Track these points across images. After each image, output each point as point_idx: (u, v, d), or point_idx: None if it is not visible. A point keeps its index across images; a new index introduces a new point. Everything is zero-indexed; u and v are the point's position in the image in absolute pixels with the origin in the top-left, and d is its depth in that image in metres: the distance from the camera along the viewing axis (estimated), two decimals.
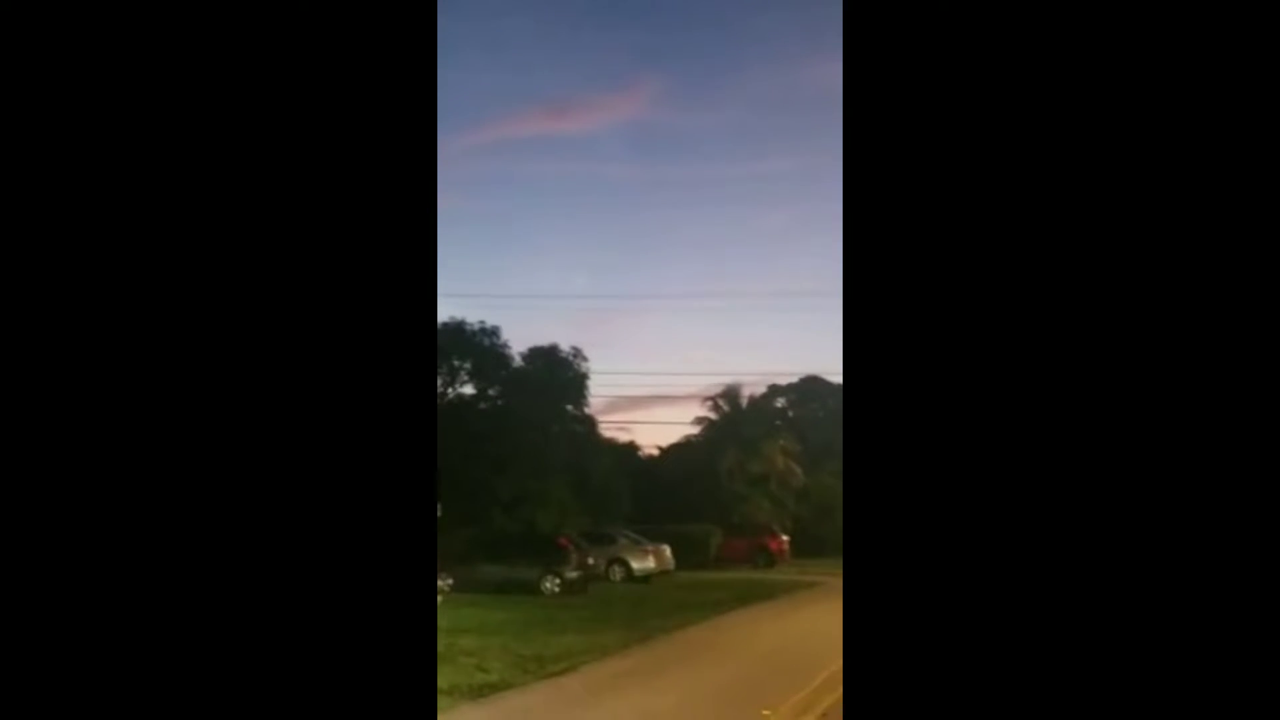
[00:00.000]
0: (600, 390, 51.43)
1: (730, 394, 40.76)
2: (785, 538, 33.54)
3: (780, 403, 42.81)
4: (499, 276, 59.13)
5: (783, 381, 42.97)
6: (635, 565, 25.30)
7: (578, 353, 31.56)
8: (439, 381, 30.44)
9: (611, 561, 24.98)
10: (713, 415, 40.95)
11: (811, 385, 41.20)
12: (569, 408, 31.71)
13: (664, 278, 63.81)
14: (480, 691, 8.96)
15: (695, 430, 41.36)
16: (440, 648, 11.50)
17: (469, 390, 30.86)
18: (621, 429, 50.72)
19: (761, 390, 42.19)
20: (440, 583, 14.44)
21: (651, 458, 41.15)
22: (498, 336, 30.60)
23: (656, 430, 79.00)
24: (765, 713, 8.19)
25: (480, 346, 30.36)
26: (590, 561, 22.45)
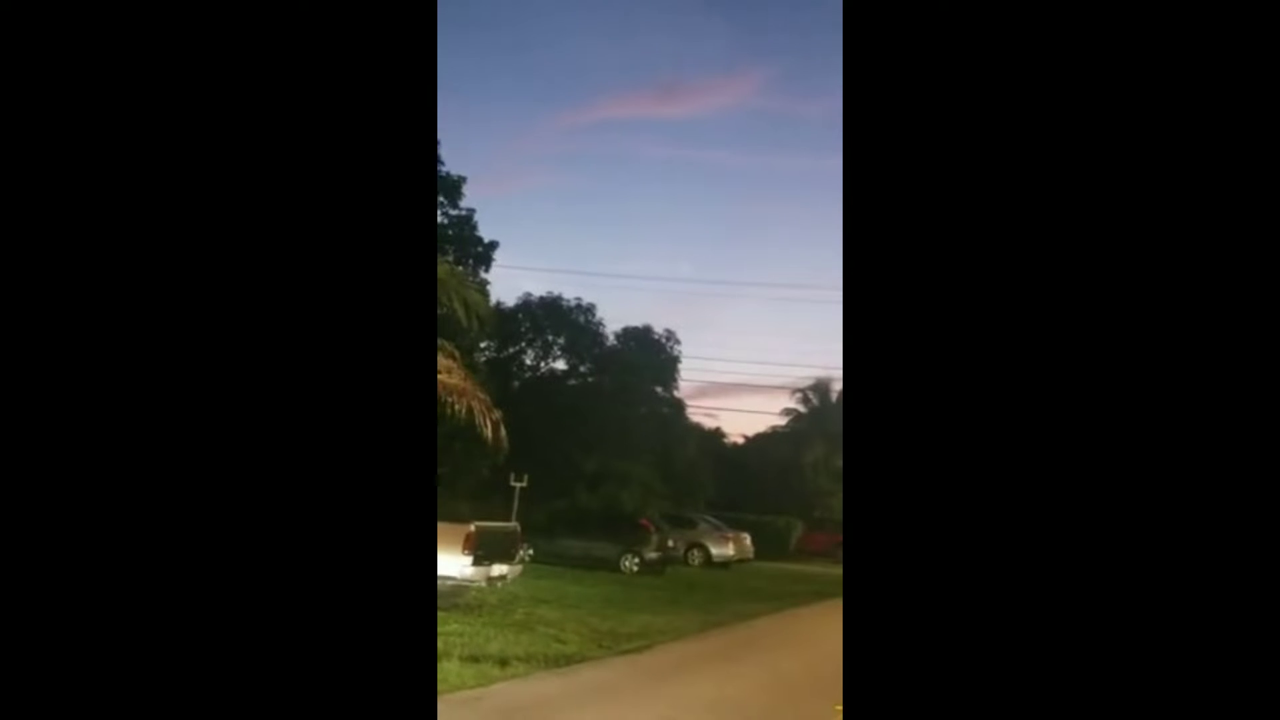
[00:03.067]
0: (690, 375, 51.45)
1: (820, 387, 40.48)
2: None
3: None
4: (597, 255, 59.65)
5: None
6: (715, 551, 25.36)
7: (670, 335, 31.73)
8: (532, 355, 30.86)
9: (691, 545, 25.07)
10: (801, 408, 40.74)
11: None
12: (658, 389, 31.87)
13: (763, 267, 63.55)
14: (557, 661, 9.08)
15: (782, 421, 41.24)
16: (520, 616, 11.73)
17: (561, 365, 31.22)
18: (709, 415, 50.73)
19: None
20: (521, 552, 14.67)
21: (737, 446, 41.13)
22: (593, 314, 30.88)
23: (744, 419, 78.96)
24: (838, 707, 8.15)
25: (575, 323, 30.66)
26: (670, 544, 22.54)
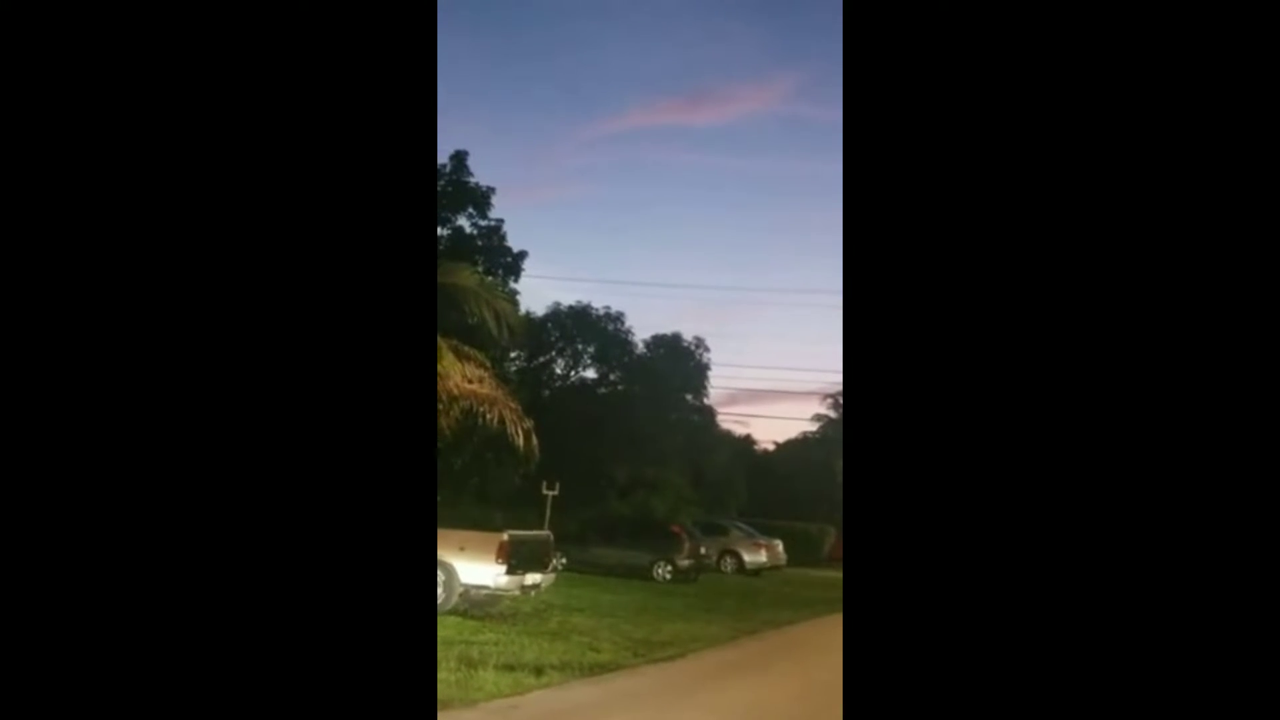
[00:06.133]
0: (720, 381, 51.39)
1: None
2: None
3: None
4: (626, 263, 59.64)
5: None
6: (747, 558, 25.30)
7: (700, 343, 31.66)
8: (562, 364, 30.92)
9: (723, 553, 25.02)
10: (832, 414, 40.56)
11: None
12: (688, 397, 31.82)
13: (792, 273, 63.34)
14: (591, 670, 9.10)
15: (814, 427, 41.14)
16: (554, 625, 11.75)
17: (591, 374, 31.25)
18: (740, 421, 50.60)
19: None
20: (554, 560, 14.71)
21: (768, 452, 41.07)
22: (622, 322, 30.86)
23: (775, 425, 78.73)
24: None
25: (604, 331, 30.66)
26: (703, 551, 22.49)
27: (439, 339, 12.60)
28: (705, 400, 32.80)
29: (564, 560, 17.91)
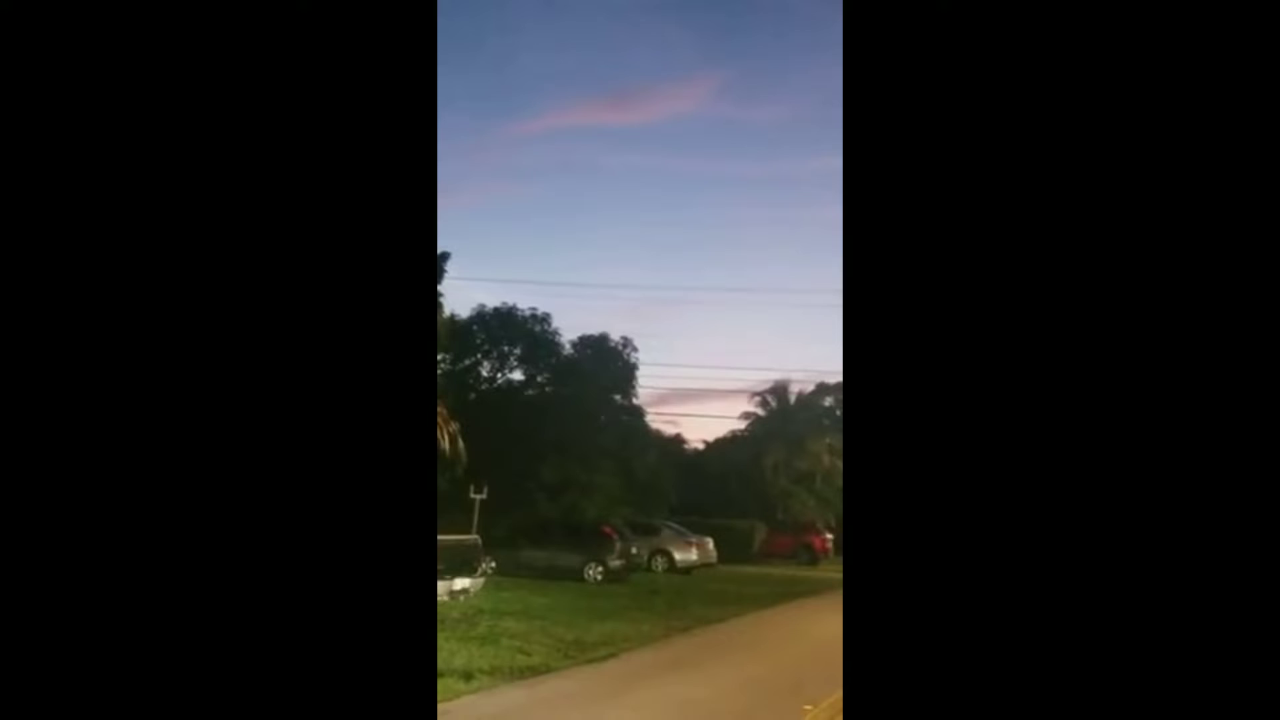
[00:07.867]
0: (649, 382, 51.39)
1: (779, 391, 40.66)
2: (829, 535, 33.41)
3: (828, 401, 42.39)
4: (553, 264, 59.44)
5: (832, 380, 42.51)
6: (678, 556, 25.35)
7: (628, 343, 31.61)
8: (488, 366, 30.67)
9: (655, 552, 25.04)
10: (760, 411, 40.88)
11: None
12: (617, 397, 31.75)
13: (719, 272, 63.73)
14: (522, 673, 9.01)
15: (742, 425, 41.34)
16: (484, 629, 11.62)
17: (518, 376, 31.04)
18: (669, 421, 50.77)
19: (810, 388, 41.92)
20: (483, 565, 14.55)
21: (698, 451, 41.15)
22: (548, 324, 30.70)
23: (704, 424, 79.25)
24: (807, 708, 8.14)
25: (530, 333, 30.48)
26: (634, 551, 22.50)
27: None
28: (634, 400, 32.79)
29: (493, 564, 17.71)
